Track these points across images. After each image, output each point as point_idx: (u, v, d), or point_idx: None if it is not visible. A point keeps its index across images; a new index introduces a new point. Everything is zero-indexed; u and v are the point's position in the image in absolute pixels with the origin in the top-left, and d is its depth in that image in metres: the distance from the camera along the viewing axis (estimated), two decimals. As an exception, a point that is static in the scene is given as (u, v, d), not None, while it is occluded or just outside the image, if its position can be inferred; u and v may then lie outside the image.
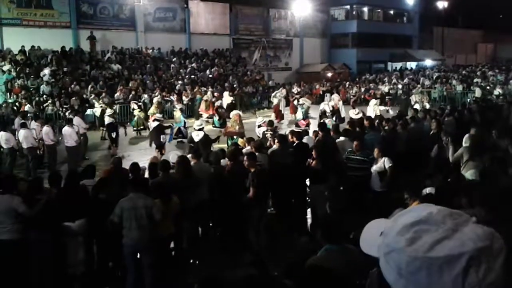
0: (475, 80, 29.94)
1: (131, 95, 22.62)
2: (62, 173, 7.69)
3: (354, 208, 7.34)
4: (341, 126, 11.57)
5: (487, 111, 13.63)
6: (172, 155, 8.24)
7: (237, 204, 6.89)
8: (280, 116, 21.22)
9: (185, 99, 23.37)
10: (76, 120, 13.89)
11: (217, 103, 20.24)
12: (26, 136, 11.95)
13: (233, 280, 3.13)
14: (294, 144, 8.59)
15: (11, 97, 20.92)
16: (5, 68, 22.48)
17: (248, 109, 26.19)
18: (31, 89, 21.74)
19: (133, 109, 19.14)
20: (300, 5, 37.81)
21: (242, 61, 34.70)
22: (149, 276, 5.71)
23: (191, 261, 6.85)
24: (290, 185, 7.71)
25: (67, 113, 18.06)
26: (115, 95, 22.53)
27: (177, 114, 17.03)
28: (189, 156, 7.65)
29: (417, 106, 18.74)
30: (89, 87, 22.91)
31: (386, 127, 10.88)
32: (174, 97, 23.30)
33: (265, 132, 10.58)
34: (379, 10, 45.90)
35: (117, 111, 19.99)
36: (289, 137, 9.05)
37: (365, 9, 44.48)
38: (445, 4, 46.84)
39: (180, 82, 26.66)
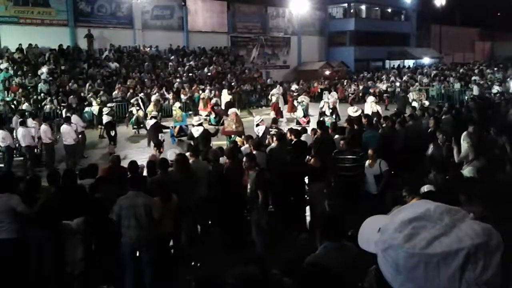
0: (473, 78, 29.96)
1: (129, 94, 22.59)
2: (60, 171, 7.67)
3: (351, 207, 7.30)
4: (338, 124, 11.58)
5: (485, 109, 13.65)
6: (170, 153, 8.26)
7: (236, 202, 6.90)
8: (279, 113, 21.22)
9: (183, 97, 23.35)
10: (74, 118, 13.87)
11: (213, 101, 20.20)
12: (24, 134, 11.93)
13: (232, 278, 3.14)
14: (293, 142, 8.60)
15: (9, 95, 20.87)
16: (3, 66, 22.43)
17: (246, 107, 26.18)
18: (29, 87, 21.69)
19: (131, 108, 19.09)
20: (298, 3, 37.78)
21: (240, 59, 34.67)
22: (148, 274, 5.72)
23: (190, 259, 6.85)
24: (289, 183, 7.72)
25: (64, 111, 18.03)
26: (113, 93, 22.50)
27: (178, 112, 16.96)
28: (187, 154, 7.66)
29: (415, 104, 18.78)
30: (87, 85, 22.86)
31: (384, 125, 10.90)
32: (170, 95, 23.26)
33: (270, 130, 10.59)
34: (377, 8, 45.94)
35: (114, 109, 19.92)
36: (288, 135, 9.06)
37: (363, 7, 44.50)
38: (443, 2, 46.82)
39: (178, 80, 26.64)
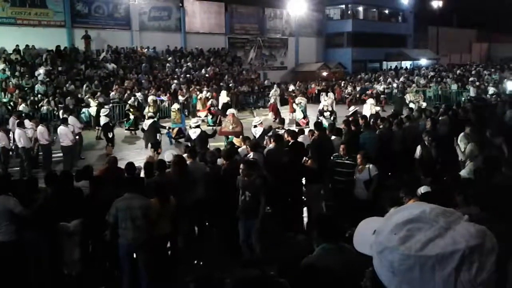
0: (470, 79, 30.06)
1: (126, 95, 22.57)
2: (57, 173, 7.65)
3: (346, 211, 7.22)
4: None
5: (482, 110, 13.68)
6: (167, 154, 8.25)
7: (233, 203, 6.88)
8: (276, 114, 21.23)
9: (181, 98, 23.33)
10: (71, 119, 13.83)
11: (209, 103, 20.20)
12: (20, 135, 11.90)
13: (229, 280, 3.13)
14: (290, 143, 8.60)
15: (6, 97, 20.82)
16: (0, 67, 22.36)
17: (244, 108, 26.18)
18: (26, 88, 21.64)
19: (129, 110, 19.08)
20: (295, 4, 37.85)
21: (237, 60, 34.68)
22: (145, 276, 5.70)
23: (188, 260, 6.84)
24: (286, 184, 7.71)
25: (61, 113, 18.00)
26: (111, 94, 22.47)
27: (177, 114, 16.92)
28: (184, 155, 7.65)
29: (412, 105, 18.80)
30: (84, 86, 22.83)
31: (382, 126, 10.92)
32: (165, 97, 23.19)
33: (277, 130, 10.59)
34: (374, 10, 46.03)
35: (110, 111, 19.90)
36: (285, 136, 9.07)
37: (360, 8, 44.59)
38: (440, 3, 47.02)
39: (175, 81, 26.63)
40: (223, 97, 21.93)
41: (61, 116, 15.95)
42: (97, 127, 17.31)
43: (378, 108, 16.41)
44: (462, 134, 8.97)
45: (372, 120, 12.25)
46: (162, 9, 32.29)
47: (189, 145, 10.62)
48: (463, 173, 7.10)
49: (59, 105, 20.42)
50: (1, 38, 24.45)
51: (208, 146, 11.10)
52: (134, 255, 5.76)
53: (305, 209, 8.31)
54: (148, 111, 17.98)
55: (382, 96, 27.66)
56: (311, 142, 9.12)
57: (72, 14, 27.61)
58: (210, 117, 18.61)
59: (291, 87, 30.79)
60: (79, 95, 22.04)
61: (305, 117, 19.02)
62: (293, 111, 21.28)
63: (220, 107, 20.47)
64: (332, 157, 7.96)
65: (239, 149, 8.87)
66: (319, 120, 14.37)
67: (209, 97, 21.92)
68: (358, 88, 31.14)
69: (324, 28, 43.61)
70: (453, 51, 51.49)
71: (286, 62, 40.65)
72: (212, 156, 7.78)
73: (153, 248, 5.78)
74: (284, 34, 40.44)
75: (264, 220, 6.59)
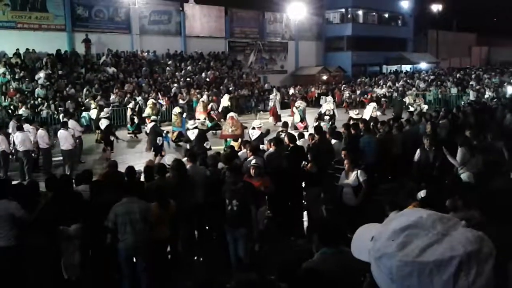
0: (470, 83, 30.12)
1: (126, 98, 22.59)
2: (58, 177, 7.64)
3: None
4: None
5: (481, 114, 13.70)
6: (168, 157, 8.25)
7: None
8: (277, 118, 21.25)
9: (181, 102, 23.33)
10: (71, 123, 13.81)
11: (209, 106, 20.21)
12: (23, 139, 11.90)
13: (229, 284, 3.13)
14: (289, 147, 8.60)
15: (6, 100, 20.84)
16: (0, 71, 22.39)
17: (244, 112, 26.18)
18: (26, 92, 21.66)
19: (133, 114, 19.13)
20: (295, 8, 37.95)
21: (237, 64, 34.74)
22: (144, 280, 5.69)
23: (187, 265, 6.83)
24: (286, 188, 7.71)
25: (61, 116, 18.00)
26: (111, 98, 22.49)
27: (178, 118, 16.92)
28: (184, 159, 7.65)
29: (411, 109, 18.83)
30: (84, 90, 22.86)
31: (381, 130, 10.92)
32: (163, 101, 23.16)
33: (280, 133, 10.58)
34: (374, 13, 46.14)
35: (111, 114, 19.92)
36: (285, 140, 9.06)
37: (360, 12, 44.70)
38: (440, 7, 47.13)
39: (175, 85, 26.66)
40: (225, 101, 21.91)
41: (61, 120, 15.94)
42: (97, 131, 17.29)
43: (378, 113, 16.39)
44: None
45: (371, 124, 12.24)
46: (162, 13, 32.36)
47: (189, 146, 10.65)
48: (463, 177, 7.10)
49: (59, 109, 20.46)
50: (2, 42, 24.51)
51: (208, 145, 11.09)
52: (134, 259, 5.75)
53: (305, 213, 8.30)
54: (148, 113, 18.07)
55: (383, 99, 27.71)
56: (311, 145, 9.11)
57: (73, 18, 27.66)
58: (208, 121, 18.62)
59: (291, 91, 30.81)
60: (79, 99, 22.07)
61: (302, 120, 18.98)
62: (294, 114, 21.27)
63: (220, 110, 20.49)
64: (333, 163, 7.94)
65: (239, 153, 8.86)
66: (318, 123, 14.35)
67: (210, 100, 21.91)
68: (358, 92, 31.23)
69: (324, 32, 43.70)
70: (453, 54, 51.59)
71: (286, 65, 40.72)
72: (212, 160, 7.78)
73: (153, 252, 5.77)
74: (284, 38, 40.51)
75: (258, 230, 6.26)
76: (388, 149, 9.92)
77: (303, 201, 8.32)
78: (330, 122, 15.80)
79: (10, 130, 13.49)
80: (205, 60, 32.22)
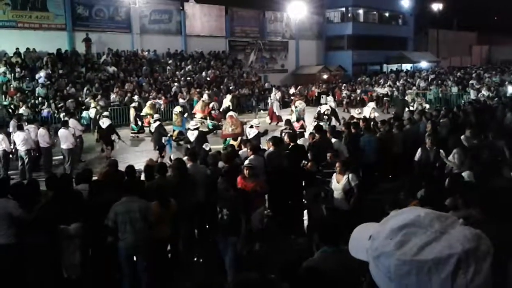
0: (470, 82, 30.08)
1: (126, 98, 22.59)
2: (58, 176, 7.64)
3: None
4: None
5: (482, 113, 13.69)
6: (172, 156, 8.28)
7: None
8: (275, 118, 21.26)
9: (181, 101, 23.30)
10: (72, 122, 13.82)
11: (210, 106, 20.20)
12: (25, 138, 11.91)
13: (231, 284, 3.13)
14: (290, 146, 8.60)
15: (6, 100, 20.84)
16: (0, 70, 22.42)
17: (244, 111, 26.17)
18: (27, 91, 21.66)
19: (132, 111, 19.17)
20: (295, 7, 37.93)
21: (238, 63, 34.72)
22: (145, 279, 5.69)
23: (188, 264, 6.83)
24: (287, 187, 7.71)
25: (61, 115, 18.00)
26: (111, 97, 22.49)
27: (178, 117, 16.90)
28: (185, 158, 7.65)
29: (411, 108, 18.80)
30: (85, 89, 22.86)
31: (382, 129, 10.92)
32: (161, 100, 23.11)
33: (283, 131, 10.59)
34: (374, 12, 46.11)
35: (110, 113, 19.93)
36: (285, 139, 9.07)
37: (360, 11, 44.67)
38: (440, 6, 47.09)
39: (176, 84, 26.65)
40: (227, 101, 21.86)
41: (62, 119, 15.93)
42: (95, 130, 17.25)
43: (377, 114, 16.35)
44: (462, 137, 8.97)
45: (372, 123, 12.24)
46: (162, 12, 32.35)
47: (189, 147, 10.63)
48: (464, 175, 7.08)
49: (60, 108, 20.46)
50: (2, 41, 24.51)
51: (207, 147, 11.09)
52: (134, 258, 5.75)
53: (305, 212, 8.30)
54: (146, 112, 18.13)
55: (385, 98, 27.69)
56: (311, 144, 9.11)
57: (73, 17, 27.65)
58: (208, 120, 18.64)
59: (292, 90, 30.81)
60: (80, 98, 22.07)
61: (298, 120, 18.90)
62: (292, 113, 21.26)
63: (221, 110, 20.47)
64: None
65: (240, 152, 8.87)
66: (319, 123, 14.34)
67: (211, 100, 21.88)
68: (358, 91, 31.22)
69: (325, 31, 43.67)
70: (453, 53, 51.56)
71: (286, 65, 40.70)
72: (213, 159, 7.78)
73: (153, 252, 5.77)
74: (285, 37, 40.49)
75: (246, 241, 6.01)
76: (389, 148, 9.92)
77: (303, 200, 8.32)
78: (328, 122, 15.78)
79: (10, 130, 13.50)
80: (206, 59, 32.21)
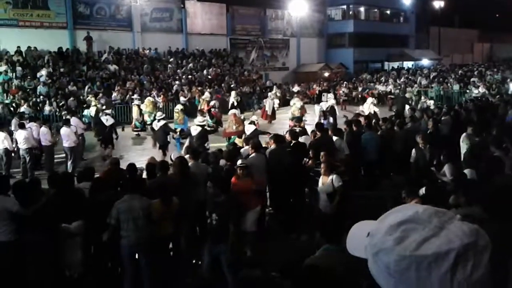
0: (472, 80, 30.04)
1: (128, 96, 22.60)
2: (60, 174, 7.65)
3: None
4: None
5: (484, 110, 13.67)
6: (174, 154, 8.29)
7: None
8: (270, 117, 21.28)
9: (182, 99, 23.28)
10: (74, 120, 13.83)
11: (211, 103, 20.19)
12: (27, 137, 11.93)
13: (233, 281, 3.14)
14: (291, 144, 8.60)
15: (8, 98, 20.87)
16: (2, 69, 22.44)
17: (246, 109, 26.14)
18: (28, 90, 21.70)
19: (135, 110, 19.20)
20: (296, 5, 37.84)
21: (239, 61, 34.70)
22: (147, 277, 5.70)
23: (190, 261, 6.84)
24: (288, 185, 7.71)
25: (63, 114, 18.00)
26: (113, 95, 22.50)
27: (180, 115, 16.86)
28: (186, 156, 7.65)
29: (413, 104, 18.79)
30: (86, 87, 22.87)
31: (383, 127, 10.91)
32: (160, 98, 23.08)
33: (294, 128, 10.58)
34: (376, 10, 45.99)
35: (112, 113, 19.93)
36: (287, 136, 9.07)
37: (362, 9, 44.56)
38: (442, 3, 46.99)
39: (177, 82, 26.64)
40: (232, 98, 21.76)
41: (64, 117, 15.93)
42: (95, 128, 17.21)
43: (376, 109, 16.34)
44: (464, 134, 8.97)
45: (373, 120, 12.23)
46: (163, 10, 32.32)
47: (189, 141, 10.64)
48: (467, 173, 7.07)
49: (61, 106, 20.47)
50: (3, 39, 24.53)
51: (207, 145, 11.10)
52: (137, 256, 5.76)
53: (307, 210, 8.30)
54: (147, 110, 18.14)
55: (389, 96, 27.64)
56: (313, 142, 9.11)
57: (74, 16, 27.65)
58: (208, 118, 18.63)
59: (295, 88, 30.80)
60: (81, 97, 22.08)
61: (292, 119, 18.76)
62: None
63: (229, 107, 20.38)
64: None
65: (242, 150, 8.87)
66: (320, 121, 14.35)
67: (209, 99, 21.83)
68: (360, 89, 31.20)
69: (326, 28, 43.59)
70: (455, 51, 51.45)
71: (287, 62, 40.65)
72: (214, 157, 7.78)
73: (155, 249, 5.78)
74: (286, 34, 40.43)
75: (234, 249, 5.68)
76: (390, 146, 9.91)
77: (305, 198, 8.32)
78: (327, 120, 15.78)
79: (12, 128, 13.52)
80: (207, 58, 32.20)
